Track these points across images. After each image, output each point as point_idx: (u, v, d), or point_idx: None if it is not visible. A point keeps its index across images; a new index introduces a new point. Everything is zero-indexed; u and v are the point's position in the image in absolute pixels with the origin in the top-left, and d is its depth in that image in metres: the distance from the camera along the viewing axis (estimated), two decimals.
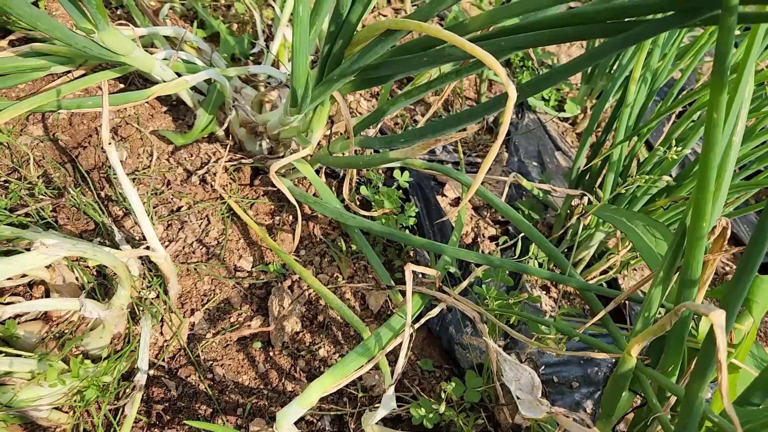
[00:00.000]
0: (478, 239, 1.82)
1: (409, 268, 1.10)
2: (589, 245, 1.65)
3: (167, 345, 1.33)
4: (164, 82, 1.59)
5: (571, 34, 0.87)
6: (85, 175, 1.53)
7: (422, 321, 1.17)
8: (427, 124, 1.37)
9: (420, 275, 1.58)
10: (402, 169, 1.66)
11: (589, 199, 1.53)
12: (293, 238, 1.60)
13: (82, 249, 1.08)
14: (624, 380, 0.96)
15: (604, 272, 1.72)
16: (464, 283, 1.27)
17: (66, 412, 1.14)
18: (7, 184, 1.43)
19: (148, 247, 1.25)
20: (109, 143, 1.20)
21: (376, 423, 1.21)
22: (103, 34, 1.38)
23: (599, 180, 1.66)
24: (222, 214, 1.58)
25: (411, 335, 1.07)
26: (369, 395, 1.37)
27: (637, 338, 0.83)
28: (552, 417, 0.89)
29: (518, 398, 0.91)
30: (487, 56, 0.80)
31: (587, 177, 1.69)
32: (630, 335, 1.06)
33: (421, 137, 1.20)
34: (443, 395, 1.20)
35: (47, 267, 1.21)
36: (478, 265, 1.35)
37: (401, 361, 1.04)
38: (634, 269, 1.86)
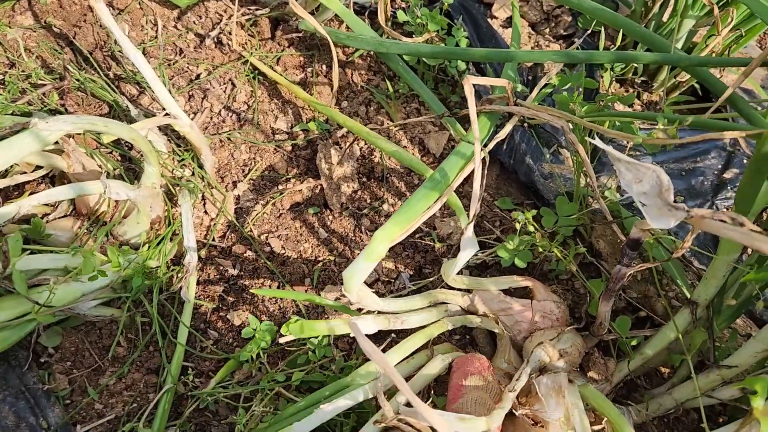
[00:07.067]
0: None
1: (469, 81, 0.89)
2: (676, 39, 1.38)
3: (214, 223, 1.19)
4: None
5: None
6: (88, 56, 1.35)
7: (492, 144, 0.97)
8: None
9: (486, 91, 1.36)
10: None
11: None
12: (332, 88, 1.39)
13: (88, 121, 0.92)
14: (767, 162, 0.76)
15: None
16: (536, 90, 1.05)
17: (118, 308, 1.03)
18: (2, 77, 1.26)
19: (167, 115, 1.08)
20: None
21: (458, 273, 1.05)
22: None
23: None
24: (247, 75, 1.39)
25: (484, 160, 0.88)
26: (447, 244, 1.21)
27: None
28: (690, 221, 0.69)
29: (643, 205, 0.69)
30: None
31: None
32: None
33: None
34: (533, 227, 1.02)
35: (61, 154, 1.06)
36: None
37: (477, 191, 0.86)
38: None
